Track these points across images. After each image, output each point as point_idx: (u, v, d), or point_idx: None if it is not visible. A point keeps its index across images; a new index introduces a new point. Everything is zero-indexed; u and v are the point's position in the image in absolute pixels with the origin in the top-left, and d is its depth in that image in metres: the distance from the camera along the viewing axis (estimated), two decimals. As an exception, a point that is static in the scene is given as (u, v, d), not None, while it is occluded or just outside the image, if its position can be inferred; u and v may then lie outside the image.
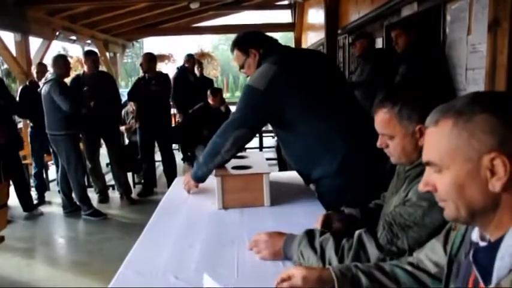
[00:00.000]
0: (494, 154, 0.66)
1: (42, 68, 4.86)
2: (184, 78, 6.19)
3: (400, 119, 1.20)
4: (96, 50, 7.31)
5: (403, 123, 1.19)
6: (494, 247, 0.69)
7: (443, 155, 0.72)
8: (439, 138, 0.73)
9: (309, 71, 1.94)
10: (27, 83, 4.89)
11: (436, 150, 0.74)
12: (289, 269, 1.12)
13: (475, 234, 0.77)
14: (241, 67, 2.06)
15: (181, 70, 6.38)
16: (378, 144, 1.28)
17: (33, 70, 4.88)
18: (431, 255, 1.02)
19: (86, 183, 4.64)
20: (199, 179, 1.96)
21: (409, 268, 1.05)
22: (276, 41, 2.06)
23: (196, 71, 6.55)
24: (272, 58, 1.90)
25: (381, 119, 1.23)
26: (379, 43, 4.63)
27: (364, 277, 1.04)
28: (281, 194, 1.97)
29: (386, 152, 1.28)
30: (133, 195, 5.06)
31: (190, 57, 6.49)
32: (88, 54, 4.66)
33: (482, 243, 0.74)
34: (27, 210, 4.38)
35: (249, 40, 2.03)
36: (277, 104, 1.83)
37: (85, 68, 4.64)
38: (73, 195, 4.43)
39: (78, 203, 4.37)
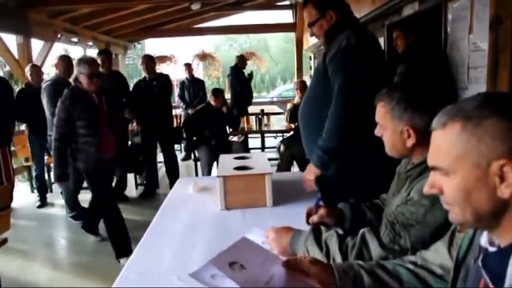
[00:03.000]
0: (504, 160, 0.65)
1: (36, 70, 4.77)
2: (237, 76, 7.47)
3: (392, 116, 1.26)
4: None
5: (394, 120, 1.26)
6: (505, 253, 0.68)
7: (450, 160, 0.70)
8: (447, 142, 0.71)
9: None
10: (24, 86, 4.85)
11: (443, 155, 0.72)
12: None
13: (483, 239, 0.76)
14: (311, 25, 1.93)
15: (234, 68, 7.57)
16: (376, 131, 1.33)
17: (27, 72, 4.79)
18: (436, 256, 1.02)
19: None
20: None
21: (411, 267, 1.05)
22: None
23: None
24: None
25: (379, 110, 1.31)
26: (381, 43, 4.63)
27: (366, 275, 1.04)
28: (283, 194, 1.97)
29: (384, 140, 1.33)
30: (135, 195, 5.08)
31: (242, 58, 7.82)
32: (100, 53, 4.84)
33: (492, 249, 0.72)
34: (120, 256, 3.20)
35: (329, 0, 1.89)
36: None
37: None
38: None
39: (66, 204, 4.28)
